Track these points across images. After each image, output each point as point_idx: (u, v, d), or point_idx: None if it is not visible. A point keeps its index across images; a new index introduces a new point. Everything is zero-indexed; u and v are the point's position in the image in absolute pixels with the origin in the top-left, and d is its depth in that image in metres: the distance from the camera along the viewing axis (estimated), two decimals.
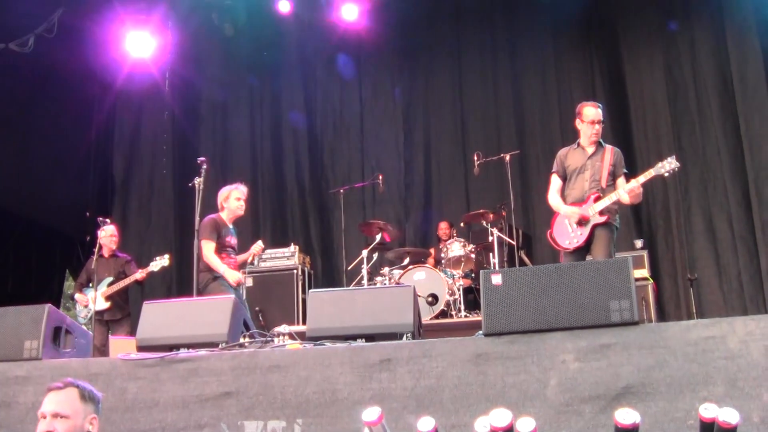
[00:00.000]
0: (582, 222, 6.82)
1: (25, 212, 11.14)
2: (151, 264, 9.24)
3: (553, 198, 7.16)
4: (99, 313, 9.28)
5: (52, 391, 3.57)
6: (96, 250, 9.10)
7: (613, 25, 11.81)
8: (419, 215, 12.39)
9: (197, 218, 7.64)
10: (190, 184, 7.91)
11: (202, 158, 8.07)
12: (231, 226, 8.08)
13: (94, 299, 9.15)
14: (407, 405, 4.56)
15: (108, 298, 9.34)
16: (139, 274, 9.33)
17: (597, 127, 7.04)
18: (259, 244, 8.29)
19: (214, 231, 7.81)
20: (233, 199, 8.04)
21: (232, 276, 7.79)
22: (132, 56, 12.01)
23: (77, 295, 9.60)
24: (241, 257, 8.25)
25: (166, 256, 9.25)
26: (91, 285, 9.40)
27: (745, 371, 4.08)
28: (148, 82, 12.86)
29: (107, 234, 9.70)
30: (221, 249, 7.86)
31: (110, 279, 9.42)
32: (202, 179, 7.88)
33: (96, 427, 3.59)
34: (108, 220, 9.57)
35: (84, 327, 8.55)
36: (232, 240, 8.04)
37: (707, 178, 10.66)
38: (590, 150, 7.06)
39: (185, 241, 9.91)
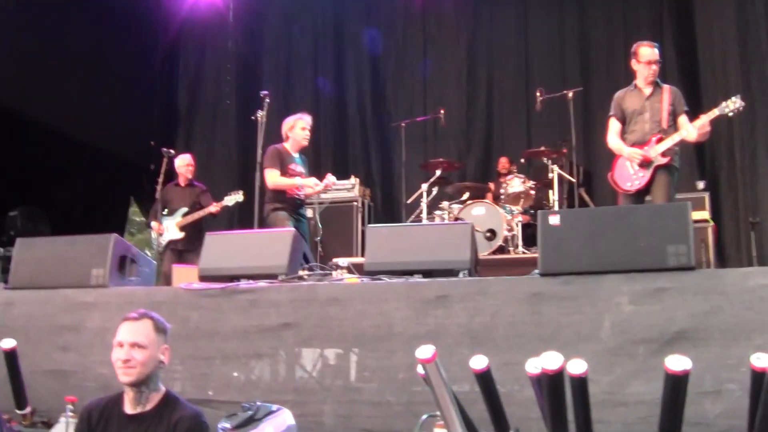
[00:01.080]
0: (644, 164, 6.76)
1: (92, 140, 11.30)
2: (226, 198, 9.20)
3: (614, 141, 7.07)
4: (173, 243, 9.44)
5: (128, 321, 3.67)
6: (160, 180, 9.24)
7: None
8: (480, 150, 12.34)
9: (260, 151, 7.70)
10: (252, 117, 7.96)
11: (265, 92, 8.11)
12: (296, 156, 8.03)
13: (161, 228, 9.34)
14: (461, 341, 4.64)
15: (182, 228, 9.44)
16: (214, 208, 9.34)
17: (654, 67, 6.92)
18: (330, 178, 8.26)
19: (277, 159, 7.79)
20: (298, 128, 7.97)
21: (309, 182, 7.90)
22: None
23: (153, 223, 9.64)
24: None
25: (240, 192, 9.18)
26: (165, 213, 9.54)
27: None
28: (212, 11, 12.91)
29: (184, 163, 9.77)
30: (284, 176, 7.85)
31: (185, 210, 9.50)
32: (264, 112, 7.92)
33: (167, 357, 3.71)
34: (172, 151, 9.67)
35: (152, 255, 8.77)
36: (297, 168, 7.98)
37: None
38: (647, 91, 6.96)
39: (248, 173, 9.98)
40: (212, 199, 9.57)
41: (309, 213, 9.46)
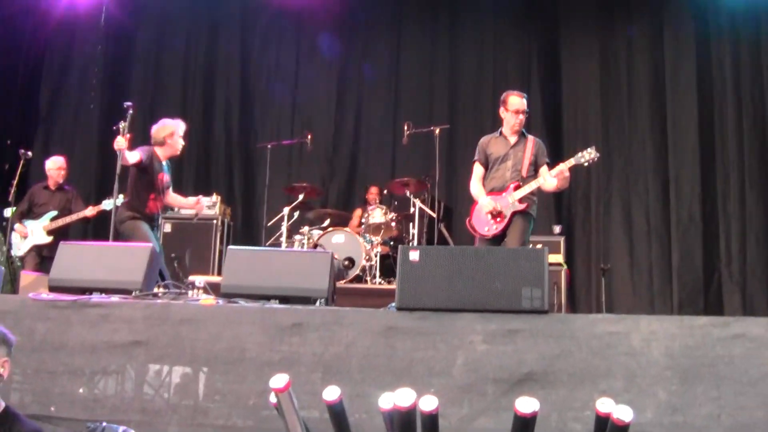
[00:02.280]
0: (495, 215, 6.92)
1: None
2: (104, 202, 8.72)
3: (475, 187, 7.22)
4: (37, 247, 9.08)
5: None
6: (15, 182, 8.89)
7: (554, 9, 11.88)
8: (344, 177, 12.38)
9: (119, 163, 7.40)
10: (114, 128, 7.67)
11: (129, 103, 7.82)
12: (165, 163, 7.69)
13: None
14: (315, 370, 4.62)
15: (50, 232, 9.08)
16: (89, 211, 8.99)
17: (521, 117, 7.12)
18: (203, 204, 8.11)
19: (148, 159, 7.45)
20: (178, 136, 7.63)
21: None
22: None
23: (17, 225, 9.21)
24: (182, 202, 8.14)
25: (121, 196, 8.86)
26: (32, 215, 9.17)
27: (644, 369, 4.24)
28: (84, 12, 12.53)
29: (55, 166, 9.41)
30: (150, 186, 7.52)
31: (54, 213, 9.14)
32: (127, 124, 7.62)
33: (7, 370, 3.56)
34: (30, 153, 9.35)
35: (15, 258, 8.41)
36: (166, 177, 7.68)
37: (630, 171, 10.93)
38: (512, 139, 7.14)
39: (105, 182, 9.73)
40: (83, 205, 9.24)
41: (168, 228, 9.30)
